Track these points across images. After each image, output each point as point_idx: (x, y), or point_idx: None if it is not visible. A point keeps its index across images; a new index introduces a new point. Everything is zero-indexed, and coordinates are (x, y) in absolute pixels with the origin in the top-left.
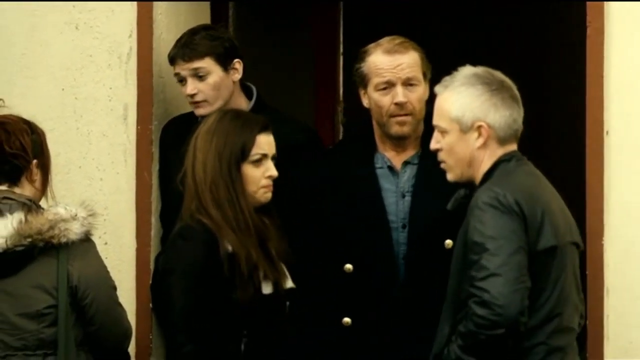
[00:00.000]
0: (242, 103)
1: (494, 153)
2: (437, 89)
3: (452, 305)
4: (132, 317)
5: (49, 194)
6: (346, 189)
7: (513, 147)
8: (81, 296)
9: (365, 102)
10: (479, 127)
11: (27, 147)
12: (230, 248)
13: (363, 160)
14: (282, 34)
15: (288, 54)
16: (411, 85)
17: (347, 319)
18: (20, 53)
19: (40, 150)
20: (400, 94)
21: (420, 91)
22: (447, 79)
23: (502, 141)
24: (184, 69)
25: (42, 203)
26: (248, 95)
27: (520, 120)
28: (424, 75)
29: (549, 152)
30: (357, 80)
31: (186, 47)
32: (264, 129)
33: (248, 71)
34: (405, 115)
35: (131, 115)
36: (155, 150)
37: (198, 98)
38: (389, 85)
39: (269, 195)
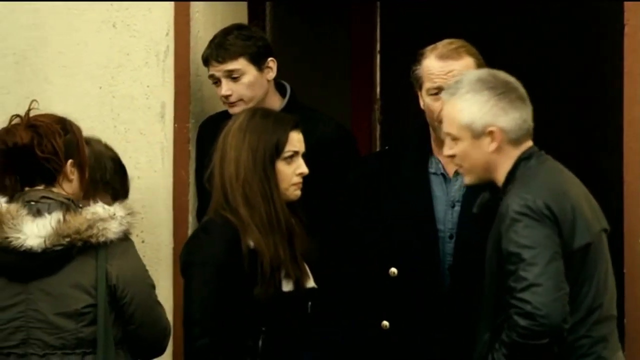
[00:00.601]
0: (276, 101)
1: (510, 155)
2: (444, 96)
3: (490, 312)
4: (169, 316)
5: None
6: (399, 190)
7: (528, 143)
8: (120, 295)
9: (421, 104)
10: (491, 132)
11: (59, 150)
12: (252, 244)
13: (418, 162)
14: (320, 33)
15: (325, 53)
16: None
17: (385, 322)
18: (57, 51)
19: (76, 149)
20: None
21: None
22: (452, 85)
23: (515, 142)
24: (217, 70)
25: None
26: (282, 93)
27: (530, 118)
28: None
29: (587, 150)
30: (413, 82)
31: (220, 48)
32: (295, 126)
33: (285, 70)
34: None
35: (168, 113)
36: (193, 148)
37: (232, 99)
38: (440, 91)
39: (299, 193)
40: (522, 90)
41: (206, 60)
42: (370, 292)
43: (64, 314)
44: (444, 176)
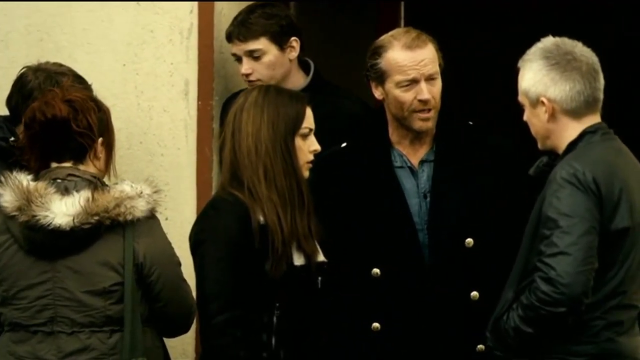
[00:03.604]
0: (299, 79)
1: (570, 126)
2: (519, 63)
3: (519, 271)
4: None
5: (111, 170)
6: (368, 190)
7: (594, 118)
8: (147, 273)
9: (377, 95)
10: (542, 101)
11: (93, 126)
12: (262, 220)
13: (380, 158)
14: (346, 31)
15: (351, 51)
16: (432, 79)
17: (376, 324)
18: (81, 28)
19: (106, 128)
20: (424, 90)
21: (439, 84)
22: (526, 52)
23: (572, 114)
24: (239, 49)
25: (105, 179)
26: (306, 71)
27: (588, 91)
28: (440, 66)
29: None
30: (371, 76)
31: (242, 27)
32: (308, 103)
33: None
34: (429, 110)
35: (192, 91)
36: (216, 125)
37: (252, 77)
38: (412, 82)
39: (307, 174)
40: (586, 62)
41: (229, 37)
42: (356, 295)
43: (92, 291)
44: (411, 169)
